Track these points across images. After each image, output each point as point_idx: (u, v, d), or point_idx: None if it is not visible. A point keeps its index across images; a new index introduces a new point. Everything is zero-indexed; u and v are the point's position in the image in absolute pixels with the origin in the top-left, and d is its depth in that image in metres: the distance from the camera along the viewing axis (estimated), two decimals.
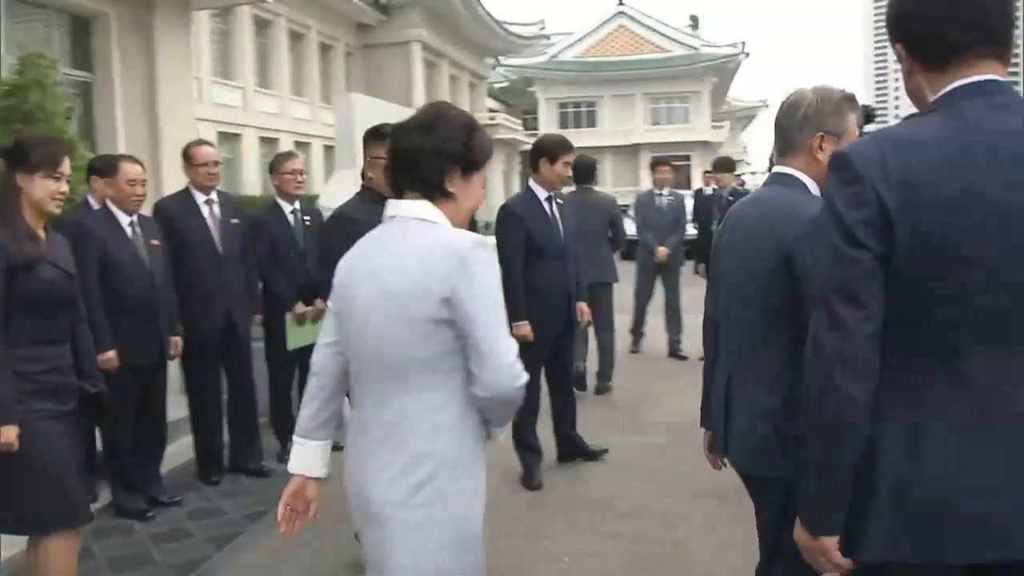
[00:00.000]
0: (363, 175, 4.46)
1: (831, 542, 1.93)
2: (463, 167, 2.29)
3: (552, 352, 5.56)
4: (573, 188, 7.90)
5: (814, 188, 2.57)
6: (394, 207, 2.30)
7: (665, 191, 9.66)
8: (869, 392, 1.83)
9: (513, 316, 5.23)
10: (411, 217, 2.26)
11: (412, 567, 2.20)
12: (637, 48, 57.59)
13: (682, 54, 56.94)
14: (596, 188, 8.55)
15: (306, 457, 2.44)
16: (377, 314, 2.21)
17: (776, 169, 2.69)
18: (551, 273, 5.43)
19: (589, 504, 5.13)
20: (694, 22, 62.29)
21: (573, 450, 5.86)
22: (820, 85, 2.74)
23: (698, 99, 56.90)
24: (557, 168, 5.49)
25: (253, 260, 5.79)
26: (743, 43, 57.01)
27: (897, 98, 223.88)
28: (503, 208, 5.58)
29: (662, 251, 9.30)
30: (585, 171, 7.76)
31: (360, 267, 2.29)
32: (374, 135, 4.16)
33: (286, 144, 31.40)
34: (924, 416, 1.85)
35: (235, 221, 5.61)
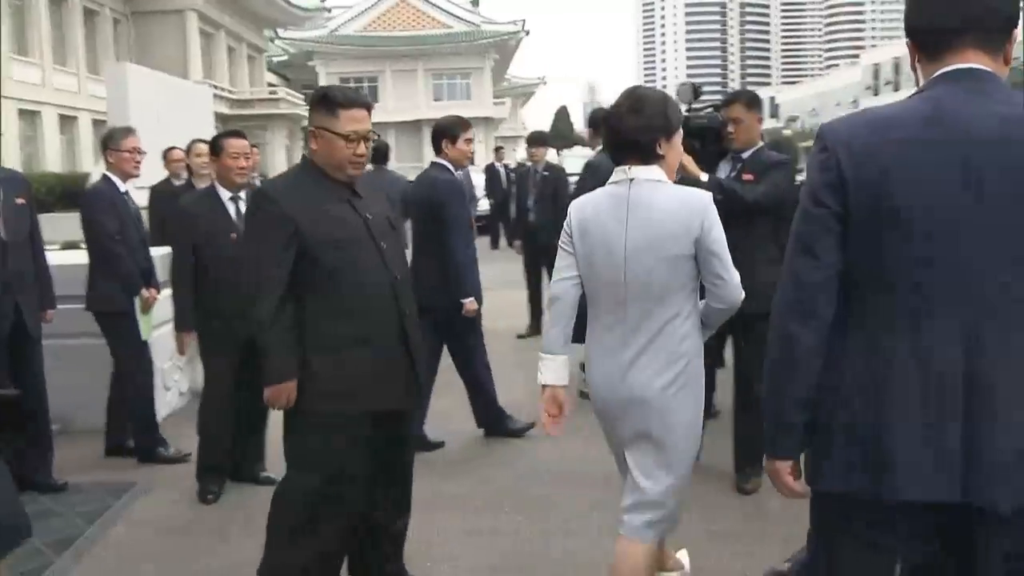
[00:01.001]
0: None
1: (783, 466, 2.24)
2: (666, 134, 3.02)
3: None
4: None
5: None
6: (630, 172, 3.02)
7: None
8: (815, 333, 2.11)
9: (468, 292, 5.58)
10: (650, 179, 3.01)
11: (683, 425, 3.03)
12: (419, 23, 57.59)
13: (464, 30, 57.41)
14: (388, 168, 8.66)
15: (556, 369, 3.19)
16: (644, 254, 2.95)
17: None
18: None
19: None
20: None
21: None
22: None
23: (480, 75, 57.59)
24: (460, 146, 5.69)
25: (41, 246, 5.24)
26: (523, 20, 58.13)
27: (664, 76, 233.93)
28: (457, 185, 5.71)
29: None
30: (379, 152, 7.88)
31: (612, 218, 3.01)
32: (325, 102, 3.35)
33: (49, 118, 29.44)
34: (879, 365, 2.06)
35: (20, 202, 4.98)
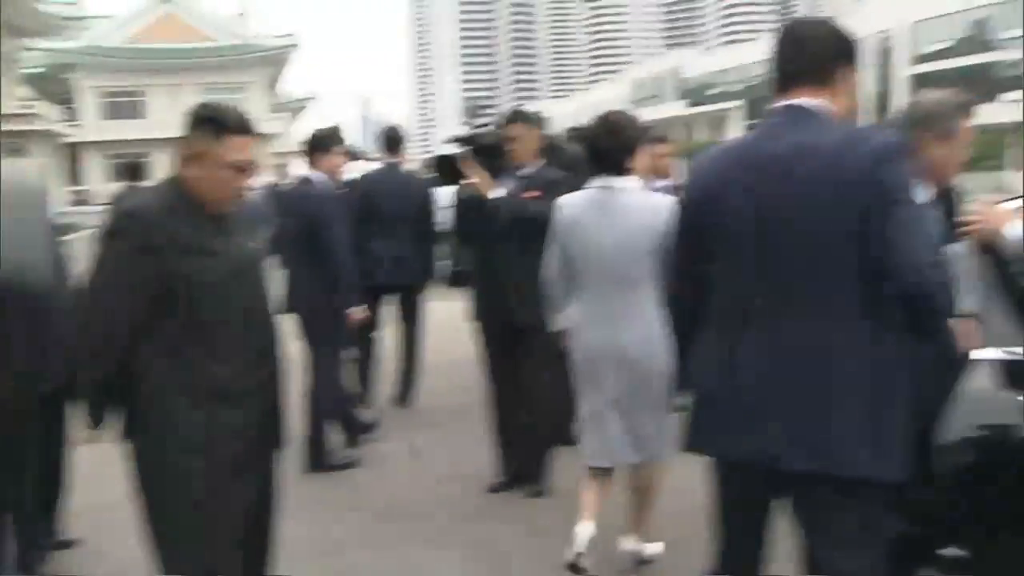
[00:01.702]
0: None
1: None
2: (632, 152, 3.84)
3: None
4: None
5: None
6: (608, 181, 3.83)
7: None
8: (676, 308, 2.73)
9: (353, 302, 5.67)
10: (624, 188, 3.81)
11: (662, 371, 3.41)
12: (184, 36, 55.54)
13: (231, 44, 55.89)
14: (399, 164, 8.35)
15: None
16: (623, 247, 3.73)
17: None
18: None
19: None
20: (243, 12, 61.31)
21: None
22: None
23: (251, 90, 56.17)
24: (332, 158, 5.75)
25: None
26: (292, 35, 57.21)
27: (435, 79, 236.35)
28: (334, 197, 5.75)
29: None
30: (392, 140, 7.58)
31: (595, 218, 3.80)
32: (211, 124, 2.88)
33: None
34: (728, 340, 2.43)
35: None
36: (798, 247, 2.28)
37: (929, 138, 2.87)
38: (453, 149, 4.85)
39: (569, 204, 3.92)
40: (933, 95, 3.05)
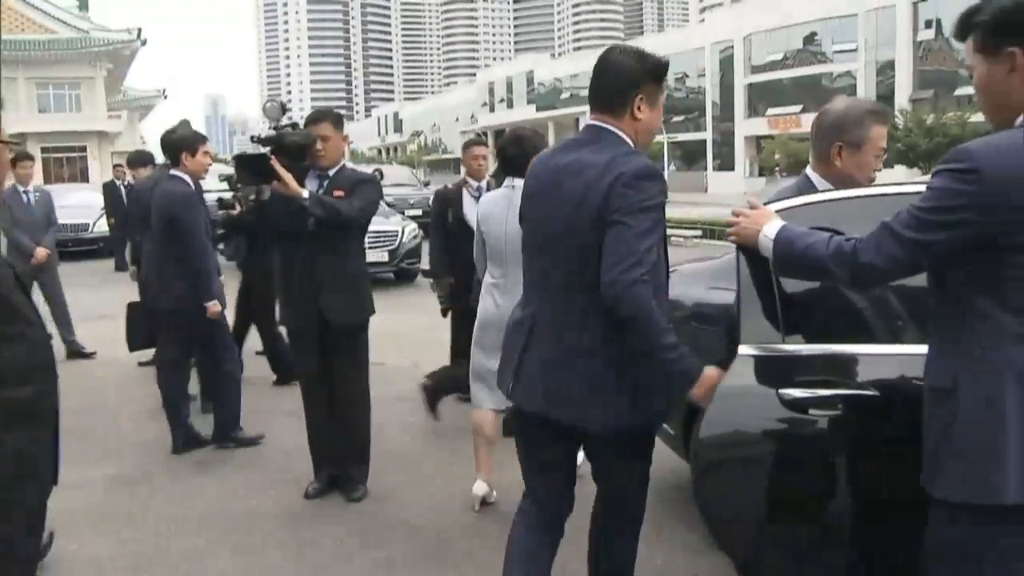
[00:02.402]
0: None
1: None
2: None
3: None
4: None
5: (821, 185, 3.14)
6: (513, 182, 4.40)
7: (31, 187, 9.03)
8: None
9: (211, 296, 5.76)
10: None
11: None
12: (17, 27, 52.84)
13: (70, 36, 53.43)
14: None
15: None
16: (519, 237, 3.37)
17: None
18: None
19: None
20: (82, 3, 58.77)
21: None
22: (850, 98, 3.31)
23: (91, 86, 53.84)
24: (199, 158, 5.93)
25: None
26: (139, 29, 55.13)
27: (290, 91, 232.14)
28: (195, 196, 5.89)
29: (42, 252, 8.65)
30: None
31: (502, 212, 4.45)
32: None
33: None
34: (526, 313, 2.89)
35: None
36: (560, 244, 2.71)
37: (840, 147, 3.07)
38: (255, 149, 4.65)
39: (486, 199, 4.75)
40: (841, 104, 3.18)
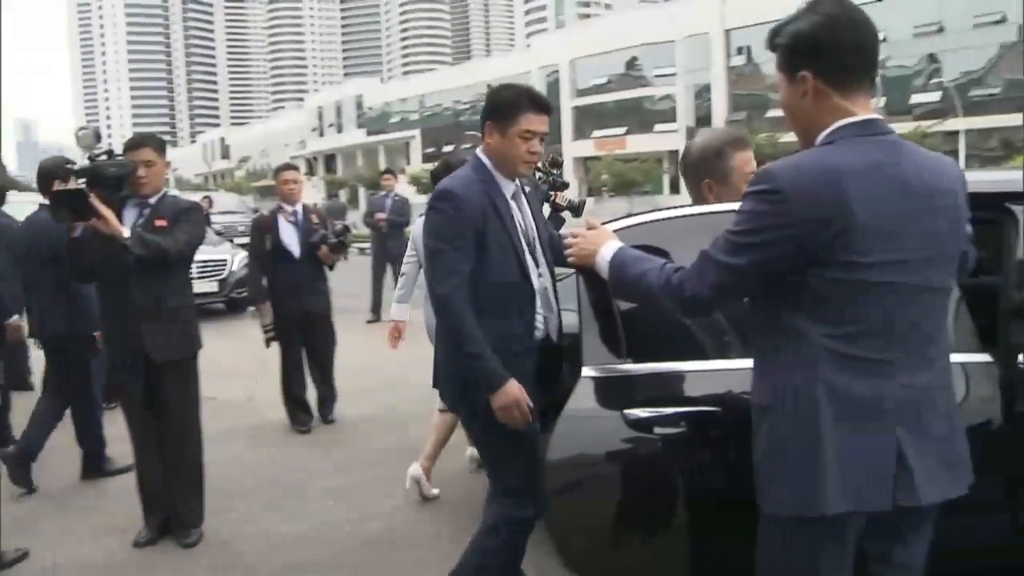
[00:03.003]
0: None
1: None
2: None
3: None
4: None
5: None
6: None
7: None
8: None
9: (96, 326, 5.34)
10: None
11: None
12: None
13: None
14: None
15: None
16: None
17: None
18: None
19: None
20: None
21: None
22: (705, 130, 3.30)
23: None
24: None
25: None
26: None
27: (108, 116, 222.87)
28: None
29: None
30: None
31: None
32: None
33: None
34: None
35: None
36: None
37: (709, 184, 3.10)
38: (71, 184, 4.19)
39: (421, 223, 4.90)
40: (698, 141, 3.21)
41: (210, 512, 4.79)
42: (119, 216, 4.26)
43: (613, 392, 2.61)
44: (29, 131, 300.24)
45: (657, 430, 2.49)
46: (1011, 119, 45.22)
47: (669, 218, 2.84)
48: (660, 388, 2.60)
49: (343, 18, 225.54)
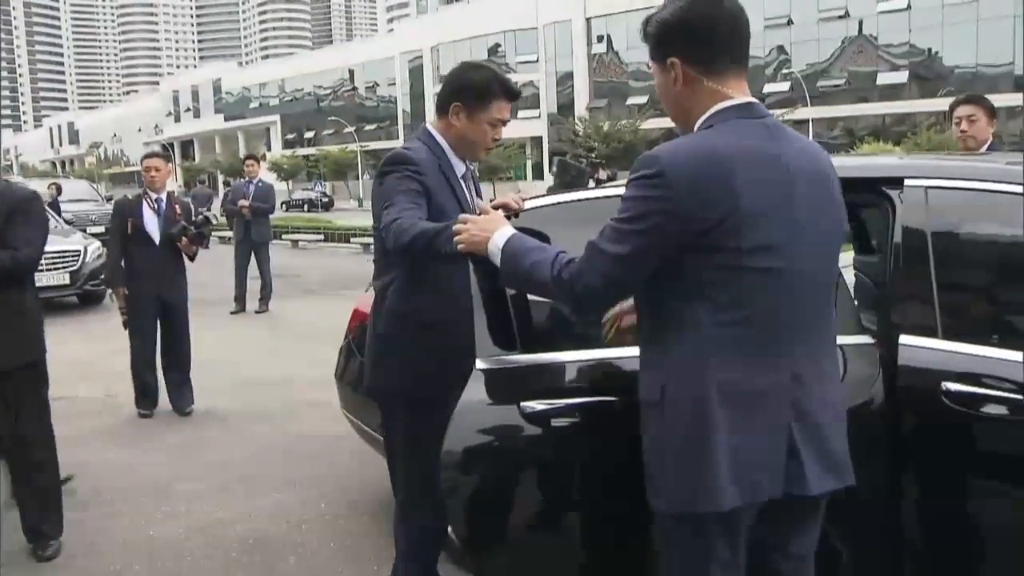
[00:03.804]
0: None
1: None
2: None
3: None
4: None
5: None
6: None
7: None
8: None
9: None
10: None
11: None
12: None
13: None
14: None
15: None
16: None
17: None
18: None
19: None
20: None
21: None
22: None
23: None
24: None
25: None
26: None
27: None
28: None
29: None
30: None
31: None
32: None
33: None
34: None
35: None
36: None
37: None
38: None
39: None
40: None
41: (71, 521, 4.53)
42: None
43: (507, 384, 2.52)
44: None
45: (555, 422, 2.42)
46: (853, 109, 47.72)
47: (565, 202, 2.80)
48: (554, 379, 2.54)
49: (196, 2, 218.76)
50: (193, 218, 6.63)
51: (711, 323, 1.93)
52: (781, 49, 49.80)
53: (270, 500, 4.81)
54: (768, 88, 48.26)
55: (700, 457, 1.93)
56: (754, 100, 2.01)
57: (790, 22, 49.15)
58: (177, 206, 6.66)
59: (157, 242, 6.50)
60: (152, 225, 6.54)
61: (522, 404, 2.44)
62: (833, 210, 2.04)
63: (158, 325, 6.67)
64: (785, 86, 48.43)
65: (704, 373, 1.93)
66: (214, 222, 7.12)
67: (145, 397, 6.63)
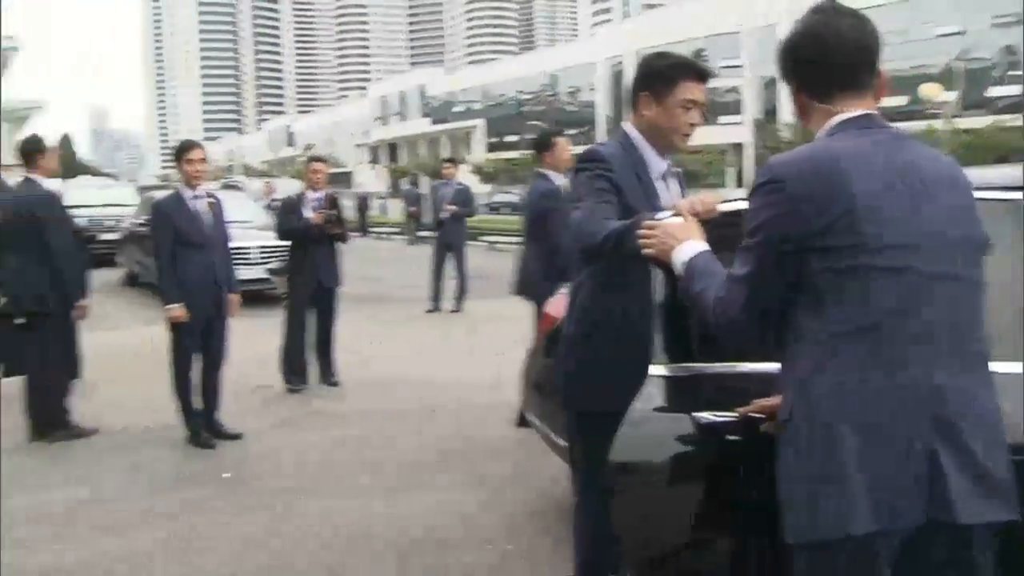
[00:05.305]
0: None
1: None
2: None
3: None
4: None
5: None
6: None
7: None
8: None
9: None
10: None
11: None
12: None
13: None
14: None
15: None
16: None
17: None
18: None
19: None
20: None
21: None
22: None
23: None
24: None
25: None
26: (12, 37, 52.82)
27: (175, 93, 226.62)
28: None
29: None
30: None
31: None
32: None
33: None
34: None
35: None
36: None
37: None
38: None
39: None
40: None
41: (253, 507, 4.72)
42: None
43: (682, 392, 2.45)
44: (102, 118, 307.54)
45: (726, 435, 2.30)
46: None
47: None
48: (733, 390, 2.39)
49: (409, 7, 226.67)
50: (333, 210, 7.51)
51: (836, 333, 1.82)
52: (1009, 49, 46.46)
53: (448, 498, 4.83)
54: (995, 91, 45.20)
55: (831, 477, 1.78)
56: (873, 112, 1.98)
57: (1021, 20, 45.76)
58: (328, 201, 7.54)
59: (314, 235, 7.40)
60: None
61: (695, 414, 2.36)
62: (971, 217, 1.92)
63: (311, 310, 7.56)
64: (1015, 89, 45.08)
65: (830, 387, 1.81)
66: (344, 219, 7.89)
67: (297, 374, 7.42)
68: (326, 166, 7.88)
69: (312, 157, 7.98)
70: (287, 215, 7.54)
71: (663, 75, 2.89)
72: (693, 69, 2.91)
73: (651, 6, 77.48)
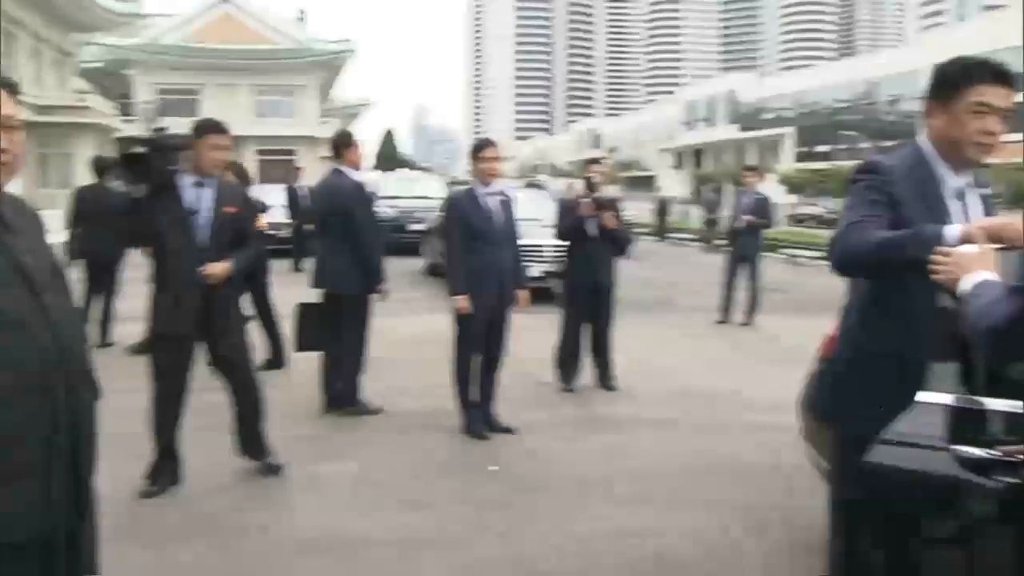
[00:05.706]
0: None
1: None
2: None
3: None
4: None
5: None
6: None
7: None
8: None
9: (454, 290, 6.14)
10: None
11: None
12: (243, 37, 56.12)
13: (289, 47, 56.35)
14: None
15: None
16: None
17: None
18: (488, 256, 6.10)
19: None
20: (302, 15, 61.86)
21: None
22: None
23: (304, 93, 56.59)
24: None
25: None
26: (350, 40, 57.50)
27: (491, 91, 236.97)
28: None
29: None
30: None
31: None
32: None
33: None
34: None
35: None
36: None
37: None
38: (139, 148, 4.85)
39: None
40: None
41: (494, 504, 4.64)
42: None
43: (950, 423, 2.24)
44: (423, 115, 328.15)
45: (994, 474, 2.05)
46: None
47: None
48: (1008, 428, 2.16)
49: (722, 10, 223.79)
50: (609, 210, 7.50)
51: None
52: None
53: (688, 518, 4.59)
54: None
55: None
56: None
57: None
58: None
59: (592, 234, 7.43)
60: (591, 222, 7.41)
61: (956, 447, 2.15)
62: None
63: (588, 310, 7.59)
64: None
65: None
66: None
67: (571, 374, 7.49)
68: (604, 168, 8.04)
69: (590, 159, 8.25)
70: (565, 215, 7.66)
71: (951, 78, 2.56)
72: (989, 70, 2.53)
73: (992, 7, 71.40)
